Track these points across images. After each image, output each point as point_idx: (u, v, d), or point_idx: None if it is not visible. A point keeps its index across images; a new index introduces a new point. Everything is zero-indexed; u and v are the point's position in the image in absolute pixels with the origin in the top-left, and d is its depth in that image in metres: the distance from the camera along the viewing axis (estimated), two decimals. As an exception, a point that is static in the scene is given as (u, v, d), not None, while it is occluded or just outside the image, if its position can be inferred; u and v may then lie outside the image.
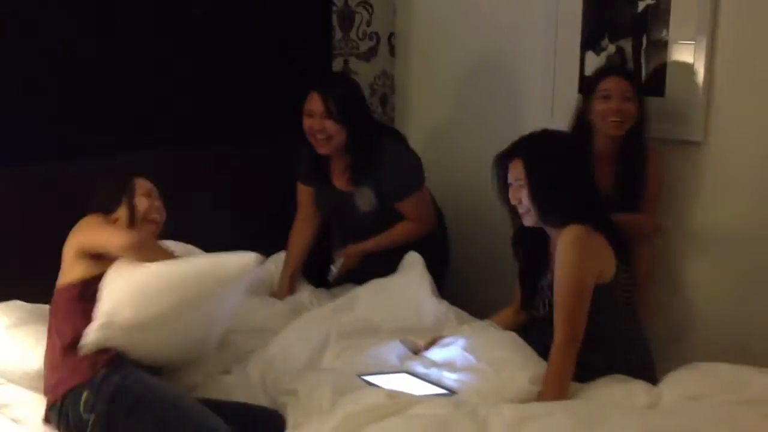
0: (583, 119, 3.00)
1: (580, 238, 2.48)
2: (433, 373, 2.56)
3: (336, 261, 3.27)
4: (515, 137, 3.44)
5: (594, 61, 3.29)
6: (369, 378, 2.49)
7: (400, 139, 3.42)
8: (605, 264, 2.52)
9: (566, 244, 2.47)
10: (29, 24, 2.91)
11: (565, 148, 2.65)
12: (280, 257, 3.40)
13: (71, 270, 2.54)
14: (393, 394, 2.37)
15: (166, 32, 3.24)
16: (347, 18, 3.90)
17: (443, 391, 2.46)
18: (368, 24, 3.95)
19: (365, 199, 3.18)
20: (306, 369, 2.62)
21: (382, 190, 3.16)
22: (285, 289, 3.30)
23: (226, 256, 2.47)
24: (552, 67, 3.42)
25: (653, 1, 3.13)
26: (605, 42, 3.28)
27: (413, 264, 3.10)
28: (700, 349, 3.01)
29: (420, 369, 2.59)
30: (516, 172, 2.58)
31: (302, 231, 3.37)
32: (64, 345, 2.43)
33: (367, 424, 2.21)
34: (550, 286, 2.55)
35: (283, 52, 3.57)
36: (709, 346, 3.04)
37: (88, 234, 2.57)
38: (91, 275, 2.50)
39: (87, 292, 2.47)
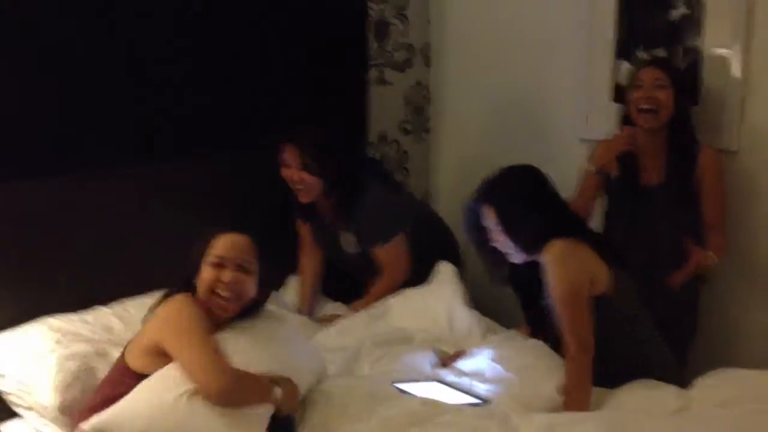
0: (625, 115, 3.02)
1: (560, 251, 2.51)
2: (465, 382, 2.58)
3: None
4: (549, 148, 3.52)
5: (629, 71, 3.28)
6: (402, 386, 2.52)
7: (386, 176, 3.45)
8: (596, 273, 2.54)
9: (549, 262, 2.51)
10: (27, 32, 2.86)
11: (526, 180, 2.68)
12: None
13: (138, 356, 2.31)
14: (426, 402, 2.40)
15: (191, 44, 3.25)
16: (382, 29, 3.94)
17: (475, 399, 2.48)
18: (403, 35, 3.99)
19: (349, 243, 3.25)
20: (341, 375, 2.65)
21: (360, 234, 3.20)
22: (304, 310, 3.33)
23: None
24: (585, 76, 3.42)
25: (688, 10, 3.12)
26: (640, 51, 3.28)
27: (445, 274, 3.14)
28: (739, 357, 2.99)
29: (452, 378, 2.62)
30: (489, 217, 2.62)
31: (310, 260, 3.40)
32: (91, 405, 2.32)
33: (402, 431, 2.23)
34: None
35: (320, 62, 3.60)
36: (747, 355, 3.03)
37: (178, 343, 2.24)
38: (153, 371, 2.28)
39: (139, 383, 2.28)
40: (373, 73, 3.90)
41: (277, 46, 3.49)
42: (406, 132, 4.06)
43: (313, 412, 2.37)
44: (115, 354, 2.51)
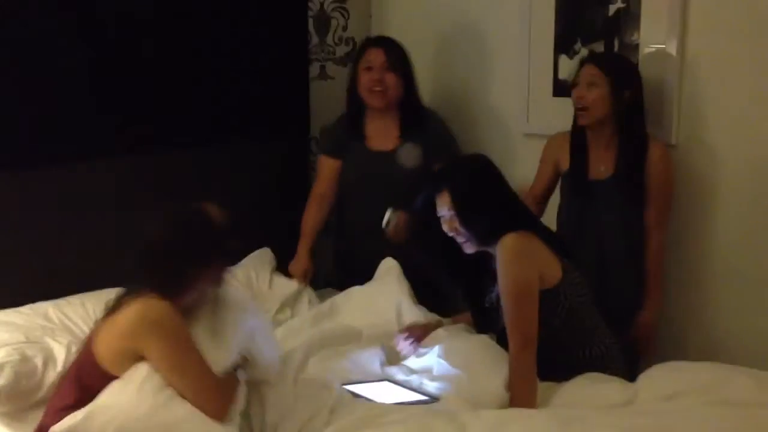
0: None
1: (513, 244, 2.51)
2: (414, 380, 2.60)
3: (390, 213, 3.17)
4: (493, 144, 3.55)
5: (567, 65, 3.32)
6: (352, 387, 2.52)
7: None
8: (548, 266, 2.56)
9: (501, 255, 2.51)
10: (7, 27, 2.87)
11: (482, 169, 2.67)
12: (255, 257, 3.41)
13: (112, 359, 2.19)
14: (370, 406, 2.41)
15: (142, 36, 3.23)
16: (323, 23, 3.92)
17: (425, 397, 2.50)
18: (344, 29, 3.97)
19: (410, 155, 3.26)
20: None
21: (430, 145, 3.26)
22: (304, 263, 3.33)
23: None
24: (526, 71, 3.45)
25: (624, 4, 3.17)
26: (578, 45, 3.32)
27: (390, 270, 3.15)
28: (680, 351, 3.04)
29: (401, 377, 2.63)
30: (445, 204, 2.60)
31: (318, 207, 3.43)
32: (55, 407, 2.24)
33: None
34: (499, 298, 2.57)
35: (260, 56, 3.58)
36: (689, 348, 3.08)
37: (170, 360, 2.15)
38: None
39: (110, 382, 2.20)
40: (314, 68, 3.89)
41: (217, 41, 3.46)
42: (348, 127, 4.05)
43: (264, 416, 2.35)
44: (51, 343, 2.55)
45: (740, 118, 2.95)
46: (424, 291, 3.12)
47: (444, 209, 2.60)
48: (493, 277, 2.59)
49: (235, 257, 2.23)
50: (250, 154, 3.55)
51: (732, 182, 2.99)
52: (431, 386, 2.53)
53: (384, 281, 3.11)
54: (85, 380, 2.23)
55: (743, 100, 2.94)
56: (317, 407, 2.37)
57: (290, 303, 3.18)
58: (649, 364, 2.61)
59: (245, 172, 3.54)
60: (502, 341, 2.61)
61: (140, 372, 2.17)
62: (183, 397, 2.16)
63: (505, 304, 2.51)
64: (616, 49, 3.21)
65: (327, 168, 3.43)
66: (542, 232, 2.63)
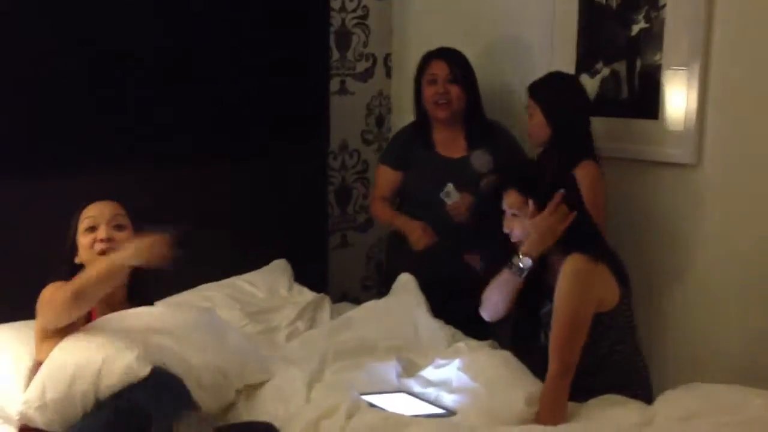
0: None
1: (582, 268, 2.47)
2: (431, 393, 2.57)
3: (451, 187, 3.23)
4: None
5: (589, 84, 3.32)
6: (368, 398, 2.50)
7: None
8: (607, 292, 2.52)
9: (568, 274, 2.46)
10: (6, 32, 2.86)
11: (557, 176, 2.64)
12: (272, 267, 3.42)
13: (39, 350, 2.44)
14: (388, 415, 2.39)
15: (159, 50, 3.23)
16: (344, 39, 3.94)
17: (441, 410, 2.47)
18: (365, 45, 3.99)
19: (482, 160, 3.28)
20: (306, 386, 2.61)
21: (499, 152, 3.28)
22: (417, 224, 3.26)
23: (114, 361, 2.27)
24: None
25: (647, 25, 3.17)
26: (600, 65, 3.33)
27: (407, 285, 3.15)
28: (698, 370, 3.03)
29: (417, 389, 2.61)
30: (511, 201, 2.58)
31: (384, 203, 3.44)
32: None
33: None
34: (550, 315, 2.53)
35: (281, 72, 3.59)
36: (708, 367, 3.06)
37: (38, 318, 2.42)
38: None
39: None
40: (334, 83, 3.90)
41: (240, 56, 3.47)
42: (367, 142, 4.06)
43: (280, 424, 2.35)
44: None
45: (763, 140, 2.94)
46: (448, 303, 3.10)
47: (511, 205, 2.57)
48: (547, 291, 2.56)
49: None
50: (269, 168, 3.56)
51: (755, 203, 2.98)
52: (448, 399, 2.51)
53: (400, 295, 3.11)
54: None
55: (766, 122, 2.93)
56: (330, 408, 2.37)
57: (307, 313, 3.17)
58: (666, 387, 2.60)
59: (265, 186, 3.54)
60: (535, 357, 2.58)
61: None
62: (49, 309, 2.37)
63: (558, 326, 2.46)
64: (638, 69, 3.21)
65: (385, 179, 3.44)
66: (608, 256, 2.57)
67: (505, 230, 2.60)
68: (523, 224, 2.56)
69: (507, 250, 2.62)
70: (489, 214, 2.66)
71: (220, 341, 2.57)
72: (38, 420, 2.31)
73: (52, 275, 2.46)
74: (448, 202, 3.20)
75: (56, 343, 2.36)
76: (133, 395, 2.24)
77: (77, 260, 2.52)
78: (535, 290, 2.64)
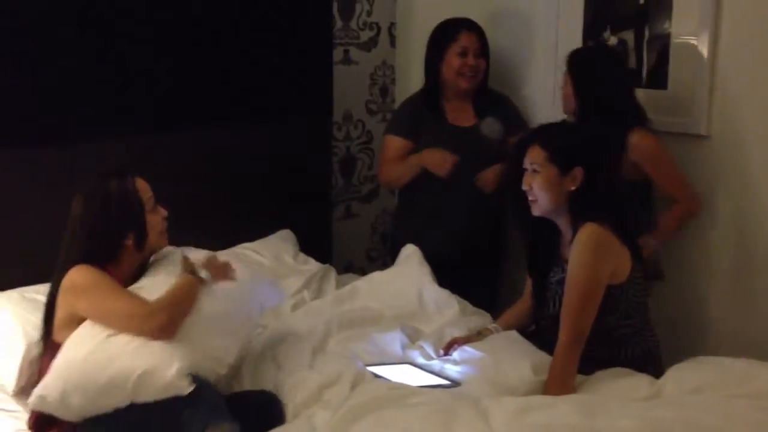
0: None
1: (596, 238, 2.44)
2: (435, 364, 2.57)
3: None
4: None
5: (596, 54, 3.28)
6: (373, 369, 2.49)
7: None
8: (619, 265, 2.49)
9: (582, 244, 2.44)
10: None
11: (601, 142, 2.60)
12: (277, 236, 3.41)
13: (63, 332, 2.33)
14: (393, 386, 2.38)
15: (162, 18, 3.20)
16: (348, 7, 3.89)
17: (446, 381, 2.46)
18: (369, 14, 3.95)
19: (494, 127, 3.33)
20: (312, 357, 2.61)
21: (508, 118, 3.36)
22: (438, 150, 3.24)
23: (154, 377, 2.21)
24: (554, 59, 3.41)
25: (656, -7, 3.13)
26: (607, 34, 3.28)
27: (411, 256, 3.13)
28: (709, 344, 3.01)
29: (422, 360, 2.60)
30: (533, 156, 2.54)
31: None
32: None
33: (365, 414, 2.21)
34: (561, 283, 2.52)
35: (284, 41, 3.56)
36: (717, 341, 3.05)
37: (92, 303, 2.30)
38: None
39: None
40: (338, 52, 3.86)
41: (243, 26, 3.43)
42: (371, 112, 4.03)
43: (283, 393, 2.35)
44: None
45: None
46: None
47: (532, 162, 2.53)
48: (558, 258, 2.55)
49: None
50: (272, 137, 3.53)
51: (765, 173, 2.94)
52: (453, 370, 2.50)
53: (405, 266, 3.09)
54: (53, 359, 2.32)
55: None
56: (334, 376, 2.38)
57: (313, 284, 3.15)
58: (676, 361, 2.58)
59: (267, 156, 3.52)
60: (552, 326, 2.56)
61: (79, 328, 2.30)
62: (125, 332, 2.26)
63: (570, 295, 2.45)
64: (646, 38, 3.16)
65: (395, 149, 3.37)
66: (623, 228, 2.53)
67: (524, 187, 2.56)
68: (540, 182, 2.52)
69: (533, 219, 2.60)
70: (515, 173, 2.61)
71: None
72: (52, 411, 2.25)
73: (84, 254, 2.36)
74: (492, 136, 3.29)
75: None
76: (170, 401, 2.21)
77: (148, 244, 2.44)
78: (546, 257, 2.63)
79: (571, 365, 2.42)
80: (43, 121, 2.90)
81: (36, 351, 2.50)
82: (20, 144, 2.83)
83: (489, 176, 3.25)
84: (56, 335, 2.36)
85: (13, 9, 2.82)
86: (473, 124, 3.35)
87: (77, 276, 2.32)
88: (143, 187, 2.44)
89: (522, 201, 2.60)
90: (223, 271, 2.46)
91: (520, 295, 2.84)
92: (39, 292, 2.64)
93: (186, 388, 2.20)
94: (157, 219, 2.45)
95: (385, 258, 3.57)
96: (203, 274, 2.40)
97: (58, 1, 2.93)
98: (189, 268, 2.42)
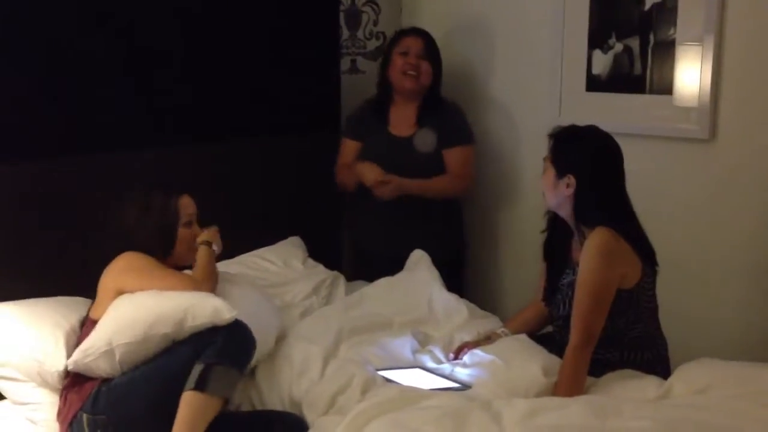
0: None
1: (606, 243, 2.47)
2: (446, 367, 2.58)
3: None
4: (523, 138, 3.55)
5: (601, 60, 3.31)
6: (384, 373, 2.51)
7: None
8: (630, 270, 2.51)
9: (593, 248, 2.47)
10: (29, 19, 2.86)
11: (605, 148, 2.60)
12: (287, 243, 3.45)
13: (101, 309, 2.51)
14: (404, 389, 2.40)
15: (171, 30, 3.23)
16: (354, 17, 3.92)
17: (457, 385, 2.48)
18: (375, 23, 3.98)
19: (426, 139, 3.38)
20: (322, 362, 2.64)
21: (443, 131, 3.39)
22: (372, 165, 3.33)
23: (201, 304, 2.41)
24: (559, 66, 3.44)
25: (660, 0, 3.15)
26: (612, 40, 3.31)
27: (420, 261, 3.16)
28: (713, 348, 3.01)
29: (432, 364, 2.62)
30: (548, 154, 2.60)
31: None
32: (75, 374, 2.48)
33: (378, 417, 2.22)
34: (571, 285, 2.55)
35: (292, 51, 3.58)
36: (721, 345, 3.04)
37: (140, 282, 2.49)
38: None
39: None
40: (345, 62, 3.89)
41: (249, 36, 3.46)
42: (378, 121, 4.04)
43: (296, 398, 2.36)
44: None
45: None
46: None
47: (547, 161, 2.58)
48: (570, 260, 2.57)
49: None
50: (281, 146, 3.55)
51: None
52: (463, 374, 2.52)
53: (414, 271, 3.11)
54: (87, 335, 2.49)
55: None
56: (345, 382, 2.41)
57: (323, 290, 3.17)
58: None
59: (276, 164, 3.54)
60: (558, 330, 2.59)
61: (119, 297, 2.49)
62: None
63: (580, 297, 2.47)
64: (651, 45, 3.19)
65: (349, 148, 3.52)
66: (634, 231, 2.56)
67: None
68: (544, 179, 2.59)
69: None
70: None
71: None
72: (96, 367, 2.40)
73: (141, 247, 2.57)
74: (423, 149, 3.36)
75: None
76: (213, 336, 2.37)
77: (175, 250, 2.63)
78: (558, 259, 2.65)
79: (581, 367, 2.44)
80: (61, 133, 2.93)
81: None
82: (40, 155, 2.86)
83: (384, 190, 3.28)
84: (93, 312, 2.52)
85: (48, 24, 2.88)
86: (411, 133, 3.42)
87: (131, 257, 2.54)
88: (185, 204, 2.66)
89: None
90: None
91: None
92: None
93: (230, 311, 2.39)
94: (187, 233, 2.64)
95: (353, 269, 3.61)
96: (215, 246, 2.67)
97: (86, 17, 2.98)
98: (203, 240, 2.67)
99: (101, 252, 2.59)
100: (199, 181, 3.18)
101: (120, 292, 2.49)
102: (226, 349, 2.35)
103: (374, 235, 3.46)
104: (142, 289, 2.46)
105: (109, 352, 2.38)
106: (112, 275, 2.53)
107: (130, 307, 2.43)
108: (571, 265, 2.61)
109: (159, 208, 2.60)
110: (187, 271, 2.63)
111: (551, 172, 2.58)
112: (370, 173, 3.30)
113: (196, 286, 2.50)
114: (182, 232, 2.63)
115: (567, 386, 2.40)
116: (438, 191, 3.40)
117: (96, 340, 2.40)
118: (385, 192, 3.29)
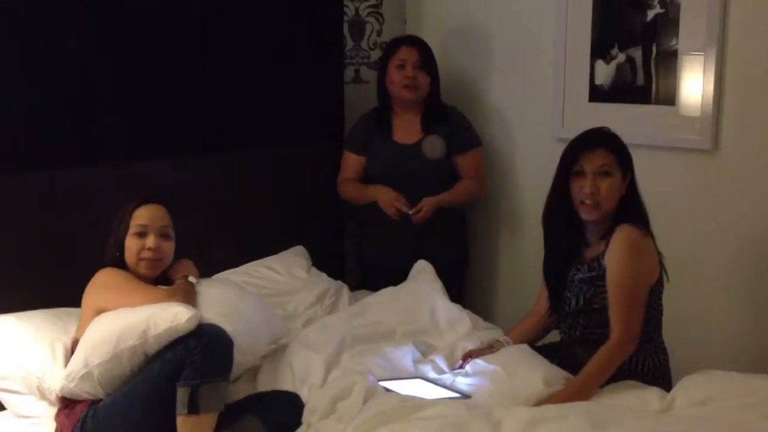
0: None
1: (638, 237, 2.49)
2: (447, 378, 2.59)
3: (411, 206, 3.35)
4: (526, 148, 3.55)
5: (604, 70, 3.31)
6: (385, 384, 2.51)
7: None
8: (653, 267, 2.53)
9: (625, 244, 2.48)
10: (39, 29, 2.88)
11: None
12: (290, 252, 3.45)
13: (82, 328, 2.52)
14: (405, 398, 2.40)
15: (176, 42, 3.24)
16: (358, 28, 3.94)
17: (457, 395, 2.48)
18: (379, 33, 3.99)
19: (434, 146, 3.40)
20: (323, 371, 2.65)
21: (452, 137, 3.42)
22: (388, 190, 3.37)
23: (161, 312, 2.39)
24: (562, 76, 3.44)
25: (662, 10, 3.15)
26: (615, 51, 3.31)
27: (424, 271, 3.16)
28: (714, 359, 3.01)
29: (433, 374, 2.62)
30: (603, 159, 2.56)
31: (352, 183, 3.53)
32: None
33: (379, 426, 2.23)
34: (585, 281, 2.55)
35: (296, 61, 3.59)
36: (722, 356, 3.04)
37: (115, 299, 2.50)
38: None
39: None
40: (349, 72, 3.90)
41: (253, 45, 3.47)
42: (381, 130, 4.05)
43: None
44: None
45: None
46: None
47: (599, 164, 2.56)
48: (579, 259, 2.58)
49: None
50: (284, 155, 3.56)
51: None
52: (464, 384, 2.52)
53: (418, 281, 3.12)
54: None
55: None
56: (346, 390, 2.42)
57: (327, 300, 3.18)
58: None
59: (280, 174, 3.55)
60: (567, 331, 2.59)
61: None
62: None
63: (617, 296, 2.47)
64: (653, 55, 3.19)
65: (352, 162, 3.53)
66: (651, 235, 2.58)
67: (586, 190, 2.54)
68: (612, 183, 2.55)
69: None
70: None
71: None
72: (81, 390, 2.39)
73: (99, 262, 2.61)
74: (432, 156, 3.38)
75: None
76: (184, 343, 2.33)
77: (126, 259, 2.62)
78: (565, 254, 2.66)
79: (612, 365, 2.45)
80: (65, 143, 2.94)
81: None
82: (47, 165, 2.88)
83: (419, 217, 3.32)
84: (77, 332, 2.53)
85: (66, 34, 2.91)
86: (418, 140, 3.44)
87: (106, 274, 2.55)
88: (139, 214, 2.61)
89: (558, 205, 2.63)
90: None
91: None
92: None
93: (189, 313, 2.35)
94: (136, 244, 2.59)
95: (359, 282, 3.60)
96: (192, 279, 2.64)
97: (94, 28, 3.01)
98: (180, 277, 2.64)
99: (102, 263, 2.61)
100: (203, 191, 3.21)
101: (99, 310, 2.49)
102: (206, 364, 2.31)
103: (382, 246, 3.47)
104: (117, 306, 2.46)
105: (88, 375, 2.38)
106: (90, 293, 2.55)
107: (99, 325, 2.44)
108: (583, 263, 2.60)
109: (116, 220, 2.62)
110: (162, 287, 2.61)
111: (619, 174, 2.57)
112: (396, 203, 3.32)
113: (170, 300, 2.47)
114: (129, 241, 2.59)
115: (589, 379, 2.43)
116: (465, 197, 3.48)
117: (75, 363, 2.41)
118: (420, 219, 3.32)
